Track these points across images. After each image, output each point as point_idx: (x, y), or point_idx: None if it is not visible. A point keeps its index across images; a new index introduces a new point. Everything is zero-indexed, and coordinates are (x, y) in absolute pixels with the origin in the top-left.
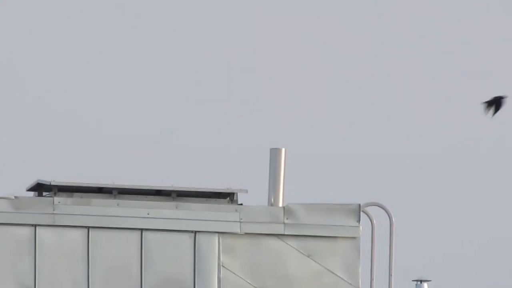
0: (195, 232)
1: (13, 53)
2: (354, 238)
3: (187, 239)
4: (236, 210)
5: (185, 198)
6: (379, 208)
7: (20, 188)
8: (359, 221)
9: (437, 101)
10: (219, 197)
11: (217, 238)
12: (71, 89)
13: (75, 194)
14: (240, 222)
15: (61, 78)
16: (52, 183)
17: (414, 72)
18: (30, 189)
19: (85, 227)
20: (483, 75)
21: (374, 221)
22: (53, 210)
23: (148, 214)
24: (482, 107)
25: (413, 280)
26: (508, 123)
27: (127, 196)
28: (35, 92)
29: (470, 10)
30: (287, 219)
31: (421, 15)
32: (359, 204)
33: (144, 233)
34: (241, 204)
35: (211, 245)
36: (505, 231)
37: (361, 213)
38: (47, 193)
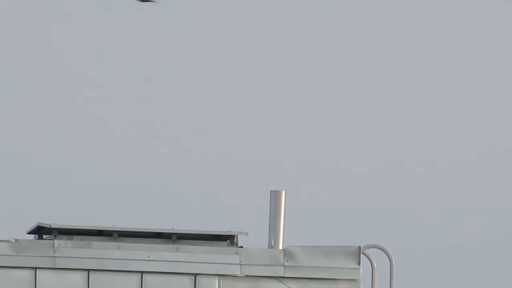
0: (196, 274)
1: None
2: (354, 280)
3: (188, 281)
4: (236, 253)
5: (185, 240)
6: (380, 251)
7: (21, 231)
8: (359, 263)
9: (441, 139)
10: (219, 240)
11: (217, 281)
12: (67, 133)
13: (76, 237)
14: (241, 264)
15: (58, 120)
16: (53, 226)
17: (412, 109)
18: (31, 232)
19: (86, 270)
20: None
21: (375, 263)
22: (54, 253)
23: (148, 257)
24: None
25: None
26: None
27: (127, 239)
28: (36, 135)
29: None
30: (287, 261)
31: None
32: (359, 246)
33: (144, 275)
34: (242, 247)
35: None
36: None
37: (361, 255)
38: (48, 236)
